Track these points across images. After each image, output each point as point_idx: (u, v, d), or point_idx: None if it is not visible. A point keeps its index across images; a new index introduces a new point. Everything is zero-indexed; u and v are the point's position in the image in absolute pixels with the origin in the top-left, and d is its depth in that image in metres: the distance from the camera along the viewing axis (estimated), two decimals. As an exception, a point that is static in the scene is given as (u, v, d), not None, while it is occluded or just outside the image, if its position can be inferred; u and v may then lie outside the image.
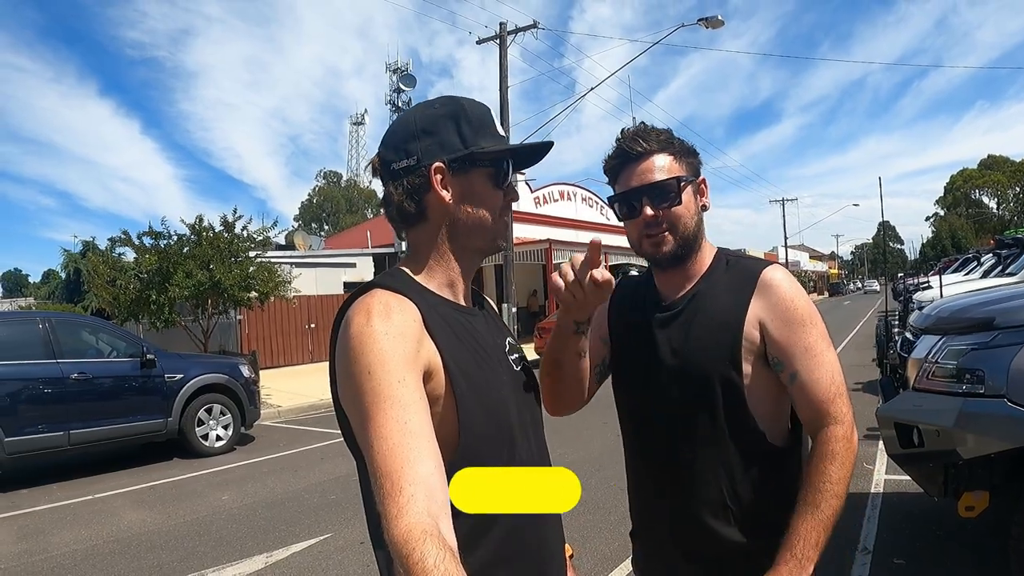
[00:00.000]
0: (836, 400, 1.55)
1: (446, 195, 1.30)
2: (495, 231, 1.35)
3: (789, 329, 1.57)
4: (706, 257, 1.71)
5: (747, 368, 1.59)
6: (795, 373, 1.56)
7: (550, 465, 1.42)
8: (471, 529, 1.17)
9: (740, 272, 1.66)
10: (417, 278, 1.32)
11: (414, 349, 1.16)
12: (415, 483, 1.02)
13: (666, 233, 1.63)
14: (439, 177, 1.29)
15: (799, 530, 1.47)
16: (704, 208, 1.71)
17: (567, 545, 1.47)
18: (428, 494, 1.03)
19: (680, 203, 1.61)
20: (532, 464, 1.33)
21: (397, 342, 1.14)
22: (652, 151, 1.62)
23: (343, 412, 1.21)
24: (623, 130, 1.68)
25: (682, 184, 1.62)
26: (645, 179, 1.62)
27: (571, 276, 1.38)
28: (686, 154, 1.67)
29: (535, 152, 1.42)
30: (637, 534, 1.84)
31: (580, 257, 1.39)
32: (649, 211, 1.61)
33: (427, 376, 1.18)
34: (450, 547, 1.00)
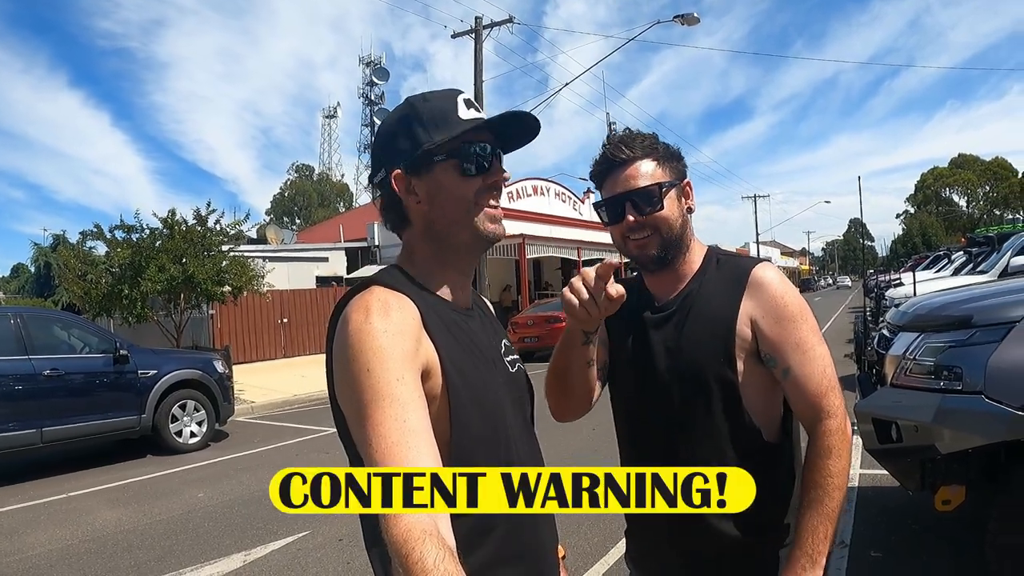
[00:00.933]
0: (828, 394, 1.59)
1: (414, 199, 1.32)
2: (477, 221, 1.32)
3: (780, 325, 1.59)
4: (696, 257, 1.73)
5: (740, 365, 1.61)
6: (788, 368, 1.59)
7: (543, 465, 1.41)
8: (470, 530, 1.17)
9: (731, 270, 1.68)
10: (414, 277, 1.32)
11: (413, 347, 1.16)
12: None
13: (649, 237, 1.66)
14: (401, 185, 1.31)
15: (808, 527, 1.52)
16: (690, 210, 1.73)
17: (559, 546, 1.47)
18: None
19: (662, 208, 1.64)
20: (526, 463, 1.32)
21: (396, 340, 1.13)
22: (636, 157, 1.65)
23: (339, 408, 1.20)
24: (609, 136, 1.71)
25: (664, 190, 1.64)
26: (628, 185, 1.64)
27: (585, 294, 1.41)
28: (670, 159, 1.69)
29: (515, 125, 1.38)
30: (632, 532, 1.85)
31: (591, 272, 1.40)
32: (631, 217, 1.64)
33: (425, 375, 1.18)
34: (449, 547, 1.00)
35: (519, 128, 1.38)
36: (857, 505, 5.21)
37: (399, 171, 1.31)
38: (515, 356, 1.45)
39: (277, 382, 15.22)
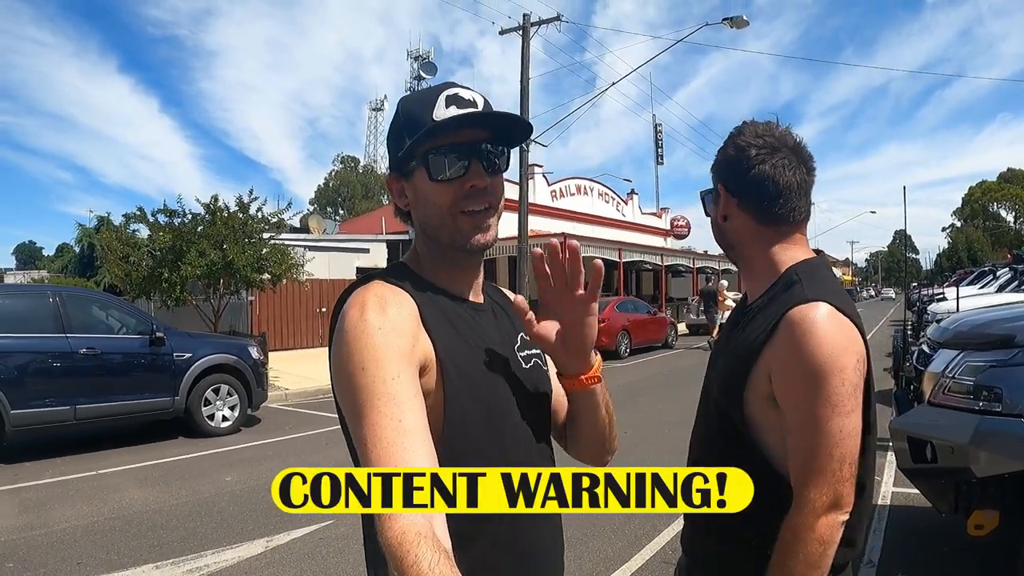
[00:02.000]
0: (811, 484, 1.36)
1: (403, 202, 1.33)
2: (450, 228, 1.26)
3: (790, 385, 1.41)
4: (776, 270, 1.60)
5: (754, 408, 1.48)
6: (788, 432, 1.42)
7: (549, 464, 1.38)
8: (461, 529, 1.13)
9: (776, 305, 1.49)
10: (418, 271, 1.31)
11: (409, 344, 1.14)
12: None
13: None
14: (393, 187, 1.34)
15: None
16: (724, 218, 1.67)
17: None
18: None
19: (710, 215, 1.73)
20: (527, 462, 1.28)
21: (392, 337, 1.12)
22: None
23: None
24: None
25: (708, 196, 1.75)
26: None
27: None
28: (715, 166, 1.70)
29: (497, 121, 1.28)
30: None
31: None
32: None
33: (423, 370, 1.16)
34: (445, 549, 0.98)
35: (513, 124, 1.31)
36: (888, 524, 5.09)
37: (391, 174, 1.34)
38: (533, 351, 1.41)
39: (312, 371, 15.33)
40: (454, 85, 1.29)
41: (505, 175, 1.36)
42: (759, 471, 1.30)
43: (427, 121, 1.23)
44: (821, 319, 1.40)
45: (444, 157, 1.24)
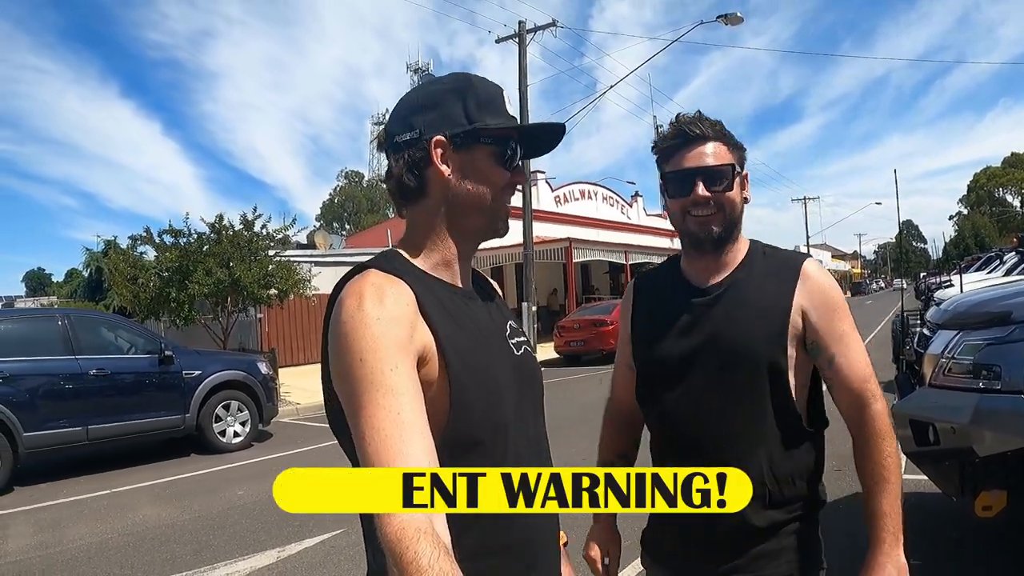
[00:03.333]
0: (871, 380, 1.67)
1: (446, 170, 1.27)
2: (494, 210, 1.33)
3: (828, 317, 1.66)
4: (741, 247, 1.77)
5: (791, 352, 1.65)
6: (832, 357, 1.66)
7: (547, 452, 1.40)
8: (459, 517, 1.14)
9: (780, 262, 1.74)
10: (413, 260, 1.30)
11: (407, 334, 1.14)
12: None
13: (714, 215, 1.68)
14: (439, 151, 1.27)
15: (883, 509, 1.61)
16: (746, 200, 1.77)
17: (561, 532, 1.45)
18: None
19: (732, 189, 1.69)
20: (528, 449, 1.31)
21: (390, 327, 1.11)
22: (709, 137, 1.69)
23: (331, 396, 1.19)
24: (679, 115, 1.74)
25: (736, 171, 1.70)
26: (702, 161, 1.68)
27: None
28: (737, 147, 1.73)
29: (546, 134, 1.41)
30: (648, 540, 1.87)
31: None
32: (702, 191, 1.67)
33: (421, 360, 1.16)
34: (444, 545, 0.98)
35: (540, 140, 1.42)
36: (898, 510, 5.06)
37: (442, 137, 1.27)
38: (522, 338, 1.43)
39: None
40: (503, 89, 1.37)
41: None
42: (787, 406, 1.64)
43: (503, 110, 1.33)
44: (823, 267, 1.75)
45: (513, 149, 1.33)
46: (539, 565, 1.33)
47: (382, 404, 1.05)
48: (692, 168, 1.67)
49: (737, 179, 1.70)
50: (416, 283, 1.22)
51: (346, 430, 1.14)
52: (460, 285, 1.34)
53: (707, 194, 1.66)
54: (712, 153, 1.67)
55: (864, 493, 1.65)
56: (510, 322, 1.42)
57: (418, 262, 1.30)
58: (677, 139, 1.70)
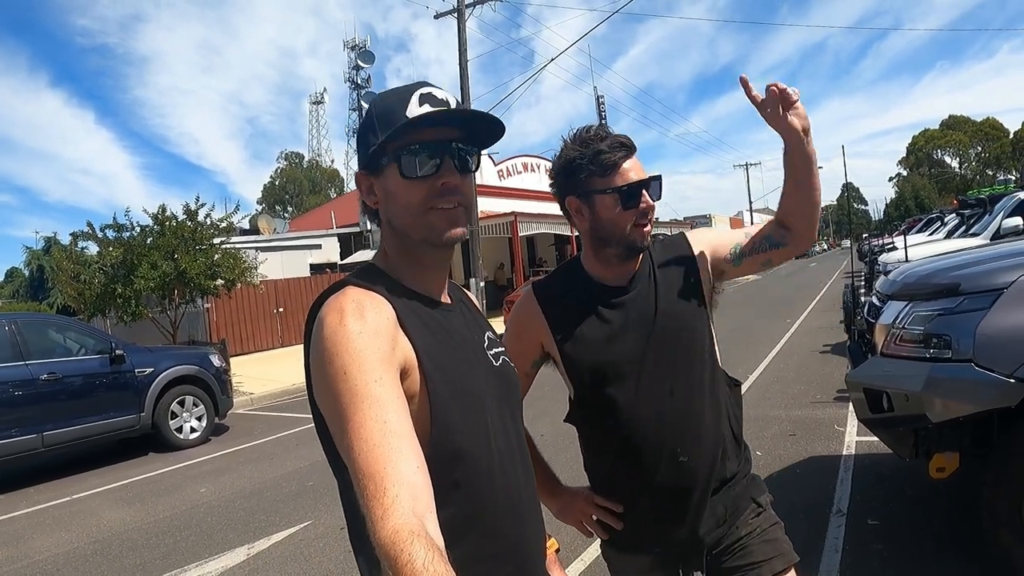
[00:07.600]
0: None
1: (372, 200, 1.33)
2: (427, 224, 1.27)
3: (707, 237, 1.90)
4: None
5: (711, 314, 1.85)
6: (736, 243, 1.86)
7: (528, 457, 1.41)
8: (453, 524, 1.15)
9: (670, 241, 1.91)
10: (390, 274, 1.31)
11: (389, 347, 1.15)
12: (399, 483, 1.01)
13: (650, 222, 1.77)
14: (362, 184, 1.34)
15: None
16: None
17: (553, 540, 1.47)
18: (413, 494, 1.01)
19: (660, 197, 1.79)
20: (511, 458, 1.32)
21: (372, 341, 1.12)
22: (634, 149, 1.76)
23: (319, 415, 1.19)
24: (598, 129, 1.78)
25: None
26: (644, 173, 1.75)
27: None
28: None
29: (471, 120, 1.32)
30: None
31: None
32: (650, 201, 1.75)
33: (403, 373, 1.17)
34: (438, 547, 0.99)
35: (485, 122, 1.33)
36: (853, 474, 5.24)
37: (360, 171, 1.34)
38: (500, 349, 1.44)
39: (275, 372, 15.21)
40: (427, 84, 1.30)
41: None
42: (718, 368, 1.83)
43: (400, 118, 1.24)
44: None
45: (416, 155, 1.25)
46: (526, 573, 1.35)
47: (369, 415, 1.06)
48: (643, 180, 1.73)
49: None
50: (394, 297, 1.23)
51: (334, 447, 1.14)
52: (436, 297, 1.35)
53: (653, 204, 1.75)
54: (640, 164, 1.76)
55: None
56: (488, 333, 1.44)
57: (394, 275, 1.31)
58: (621, 151, 1.73)
